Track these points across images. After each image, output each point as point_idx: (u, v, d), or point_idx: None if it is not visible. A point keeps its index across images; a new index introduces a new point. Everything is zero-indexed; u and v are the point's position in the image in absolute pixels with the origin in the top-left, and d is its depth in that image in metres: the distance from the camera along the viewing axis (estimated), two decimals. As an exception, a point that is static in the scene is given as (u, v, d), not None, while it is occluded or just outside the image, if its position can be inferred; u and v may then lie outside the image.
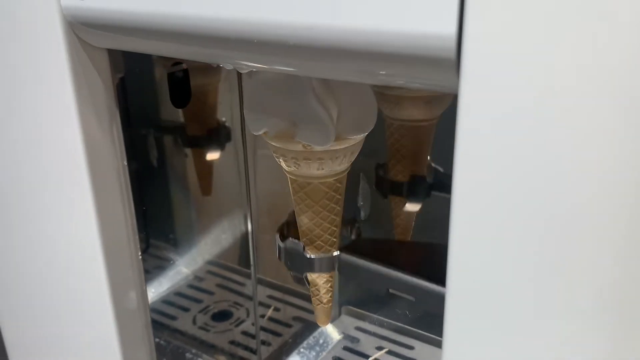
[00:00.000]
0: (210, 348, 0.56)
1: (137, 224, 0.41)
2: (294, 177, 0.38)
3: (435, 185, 0.46)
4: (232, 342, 0.56)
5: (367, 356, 0.53)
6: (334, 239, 0.39)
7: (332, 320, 0.58)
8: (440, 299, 0.25)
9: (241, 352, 0.55)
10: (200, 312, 0.60)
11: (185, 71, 0.50)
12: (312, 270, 0.40)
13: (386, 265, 0.37)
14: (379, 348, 0.54)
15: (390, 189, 0.48)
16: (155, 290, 0.63)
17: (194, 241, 0.66)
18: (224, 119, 0.58)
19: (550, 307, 0.23)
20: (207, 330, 0.57)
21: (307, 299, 0.44)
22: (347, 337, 0.56)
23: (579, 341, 0.23)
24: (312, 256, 0.39)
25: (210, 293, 0.63)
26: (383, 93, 0.43)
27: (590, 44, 0.19)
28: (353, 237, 0.43)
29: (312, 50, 0.24)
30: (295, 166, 0.36)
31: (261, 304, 0.59)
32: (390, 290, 0.36)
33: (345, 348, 0.55)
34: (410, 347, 0.54)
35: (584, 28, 0.19)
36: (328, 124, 0.34)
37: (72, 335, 0.44)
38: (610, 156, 0.20)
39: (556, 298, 0.23)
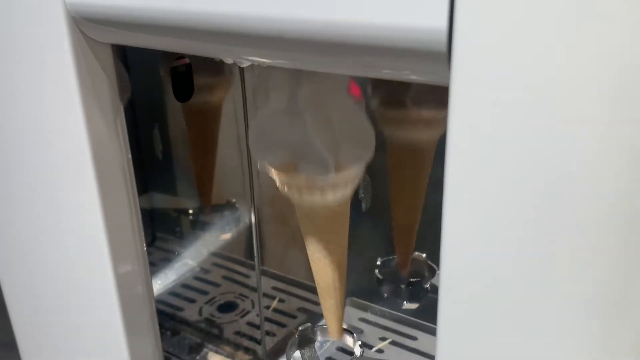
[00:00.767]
0: (216, 338, 0.56)
1: (142, 217, 0.41)
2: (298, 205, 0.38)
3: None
4: (237, 333, 0.57)
5: (371, 347, 0.54)
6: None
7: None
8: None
9: (246, 343, 0.55)
10: (206, 303, 0.61)
11: (189, 65, 0.50)
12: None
13: None
14: (383, 339, 0.55)
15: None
16: (162, 282, 0.64)
17: (199, 234, 0.67)
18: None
19: (543, 304, 0.23)
20: (213, 322, 0.58)
21: (312, 290, 0.43)
22: (350, 327, 0.57)
23: (572, 338, 0.23)
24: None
25: (216, 285, 0.63)
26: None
27: (582, 36, 0.19)
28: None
29: (305, 43, 0.25)
30: (298, 195, 0.37)
31: (266, 295, 0.60)
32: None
33: (349, 339, 0.56)
34: (414, 338, 0.55)
35: (575, 20, 0.19)
36: (327, 158, 0.35)
37: (79, 327, 0.45)
38: (604, 150, 0.20)
39: (550, 295, 0.23)
